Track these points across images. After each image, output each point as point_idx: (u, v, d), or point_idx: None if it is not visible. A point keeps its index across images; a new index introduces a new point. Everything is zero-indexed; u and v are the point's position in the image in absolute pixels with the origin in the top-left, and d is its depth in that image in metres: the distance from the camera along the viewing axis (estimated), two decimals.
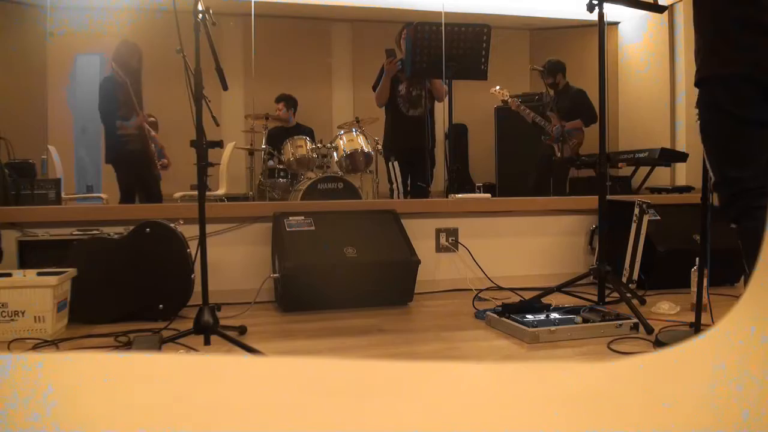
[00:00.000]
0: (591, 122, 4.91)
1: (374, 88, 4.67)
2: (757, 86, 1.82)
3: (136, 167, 4.35)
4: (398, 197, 4.54)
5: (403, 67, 4.36)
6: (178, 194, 5.05)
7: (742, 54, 1.83)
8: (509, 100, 5.03)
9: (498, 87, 4.88)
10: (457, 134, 5.74)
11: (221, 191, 5.21)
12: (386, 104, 4.63)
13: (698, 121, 1.95)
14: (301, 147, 4.57)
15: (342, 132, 4.60)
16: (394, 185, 4.59)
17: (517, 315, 2.43)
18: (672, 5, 5.96)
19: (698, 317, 2.15)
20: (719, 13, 1.89)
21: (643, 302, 2.87)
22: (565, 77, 5.17)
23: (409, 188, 4.62)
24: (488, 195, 3.83)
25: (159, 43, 4.12)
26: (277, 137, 5.12)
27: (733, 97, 1.84)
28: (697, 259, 2.36)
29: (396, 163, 4.57)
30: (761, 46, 1.81)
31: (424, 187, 4.46)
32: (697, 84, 1.95)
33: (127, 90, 4.12)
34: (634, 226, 3.31)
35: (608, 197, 2.91)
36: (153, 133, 4.52)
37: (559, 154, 4.96)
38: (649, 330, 2.31)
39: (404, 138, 4.56)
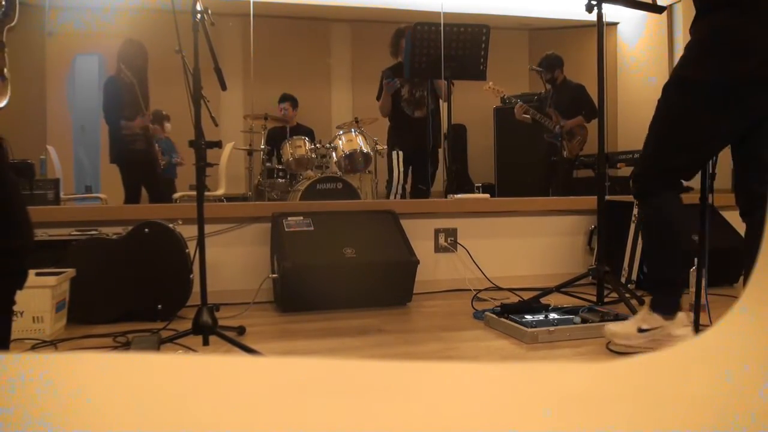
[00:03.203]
0: (592, 117, 4.88)
1: (378, 99, 4.69)
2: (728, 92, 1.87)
3: (141, 167, 4.37)
4: (397, 189, 4.52)
5: (401, 80, 4.43)
6: (177, 194, 5.05)
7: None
8: (515, 110, 5.03)
9: (491, 83, 4.86)
10: (456, 134, 5.73)
11: (220, 191, 5.21)
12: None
13: (660, 100, 2.01)
14: (300, 147, 4.57)
15: (341, 132, 4.60)
16: (395, 174, 4.55)
17: (515, 315, 2.43)
18: (671, 6, 5.97)
19: (697, 317, 2.15)
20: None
21: (642, 302, 2.86)
22: (563, 72, 5.15)
23: (409, 187, 4.62)
24: (487, 195, 3.83)
25: (158, 42, 4.12)
26: (279, 137, 5.12)
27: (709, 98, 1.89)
28: (696, 259, 2.37)
29: (401, 153, 4.55)
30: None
31: (425, 189, 4.46)
32: (685, 79, 1.97)
33: (135, 90, 4.13)
34: (632, 226, 3.31)
35: (607, 197, 2.91)
36: (163, 133, 4.53)
37: (564, 154, 4.95)
38: None
39: (409, 139, 4.56)
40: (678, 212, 2.02)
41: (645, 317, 2.09)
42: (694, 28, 1.95)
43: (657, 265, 2.12)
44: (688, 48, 1.96)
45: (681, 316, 2.03)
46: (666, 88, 2.01)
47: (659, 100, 2.02)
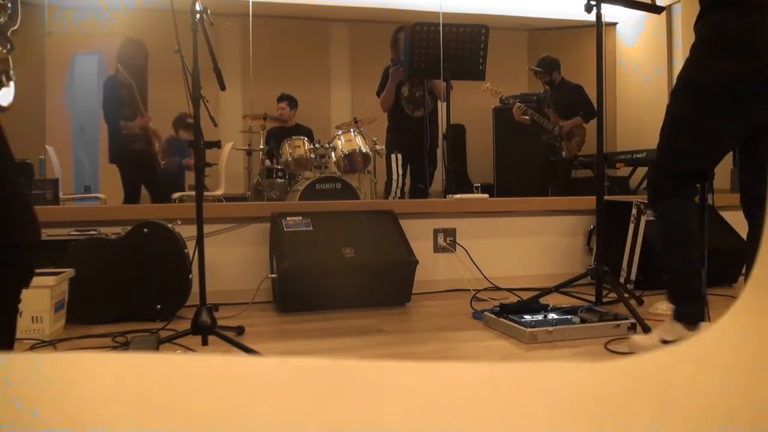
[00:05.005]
0: (590, 117, 4.89)
1: (378, 94, 4.69)
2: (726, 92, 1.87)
3: (141, 167, 4.37)
4: (396, 190, 4.52)
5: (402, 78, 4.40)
6: (176, 194, 5.05)
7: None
8: (513, 111, 5.04)
9: (489, 84, 4.86)
10: (456, 134, 5.73)
11: (219, 191, 5.20)
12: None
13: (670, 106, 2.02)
14: (299, 147, 4.57)
15: (340, 132, 4.60)
16: (394, 176, 4.55)
17: (514, 315, 2.43)
18: (670, 6, 5.97)
19: None
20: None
21: (640, 302, 2.87)
22: (560, 73, 5.16)
23: (407, 187, 4.62)
24: (486, 195, 3.83)
25: (157, 43, 4.12)
26: (277, 137, 5.12)
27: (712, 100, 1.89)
28: None
29: (399, 155, 4.55)
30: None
31: (423, 188, 4.46)
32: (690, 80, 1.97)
33: (132, 91, 4.13)
34: (631, 226, 3.31)
35: (606, 198, 2.91)
36: (159, 133, 4.54)
37: (563, 154, 4.95)
38: (647, 330, 2.31)
39: (408, 139, 4.55)
40: (690, 218, 2.02)
41: (668, 328, 2.05)
42: (698, 26, 1.93)
43: (678, 275, 2.05)
44: (692, 49, 1.95)
45: (704, 327, 1.99)
46: (673, 93, 2.00)
47: (668, 105, 2.02)
